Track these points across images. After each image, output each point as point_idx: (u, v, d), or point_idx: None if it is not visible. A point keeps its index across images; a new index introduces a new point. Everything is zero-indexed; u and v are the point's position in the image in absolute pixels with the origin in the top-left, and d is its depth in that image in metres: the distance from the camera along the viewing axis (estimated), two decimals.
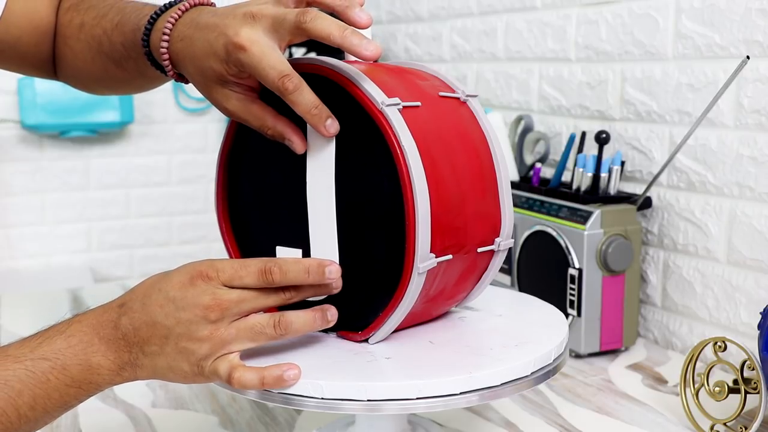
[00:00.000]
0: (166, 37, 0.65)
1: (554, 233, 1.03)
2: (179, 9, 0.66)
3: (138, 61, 0.71)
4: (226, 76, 0.62)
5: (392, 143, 0.59)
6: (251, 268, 0.58)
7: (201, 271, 0.58)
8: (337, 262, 0.65)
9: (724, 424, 0.79)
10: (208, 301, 0.57)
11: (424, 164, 0.60)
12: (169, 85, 1.76)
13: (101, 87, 0.81)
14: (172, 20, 0.65)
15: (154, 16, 0.68)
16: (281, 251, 0.67)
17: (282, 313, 0.60)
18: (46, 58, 0.81)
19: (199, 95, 1.80)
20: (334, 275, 0.60)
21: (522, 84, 1.33)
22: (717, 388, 0.78)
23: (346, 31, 0.58)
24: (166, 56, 0.65)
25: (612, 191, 1.04)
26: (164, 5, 0.68)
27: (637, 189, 1.10)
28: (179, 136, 1.80)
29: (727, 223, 0.99)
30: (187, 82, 0.67)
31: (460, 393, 0.58)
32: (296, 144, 0.63)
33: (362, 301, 0.64)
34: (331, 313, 0.62)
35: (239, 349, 0.59)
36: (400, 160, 0.59)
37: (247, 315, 0.59)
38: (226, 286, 0.58)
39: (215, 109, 1.96)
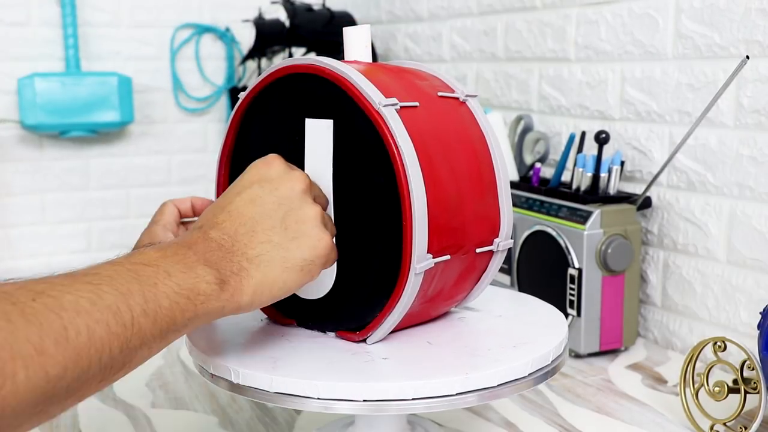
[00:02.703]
0: None
1: (554, 233, 1.03)
2: None
3: None
4: None
5: (389, 143, 0.59)
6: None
7: (269, 158, 0.59)
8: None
9: (724, 424, 0.79)
10: (300, 176, 0.58)
11: (422, 164, 0.60)
12: (169, 85, 1.77)
13: None
14: None
15: None
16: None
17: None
18: None
19: (199, 95, 1.80)
20: None
21: (522, 84, 1.33)
22: (717, 388, 0.78)
23: None
24: None
25: (612, 191, 1.04)
26: None
27: (636, 189, 1.10)
28: (179, 136, 1.80)
29: (727, 223, 0.99)
30: None
31: (457, 393, 0.58)
32: None
33: (360, 301, 0.64)
34: None
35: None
36: (396, 160, 0.59)
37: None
38: None
39: (215, 109, 1.96)
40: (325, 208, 0.59)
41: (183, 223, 0.75)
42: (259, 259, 0.53)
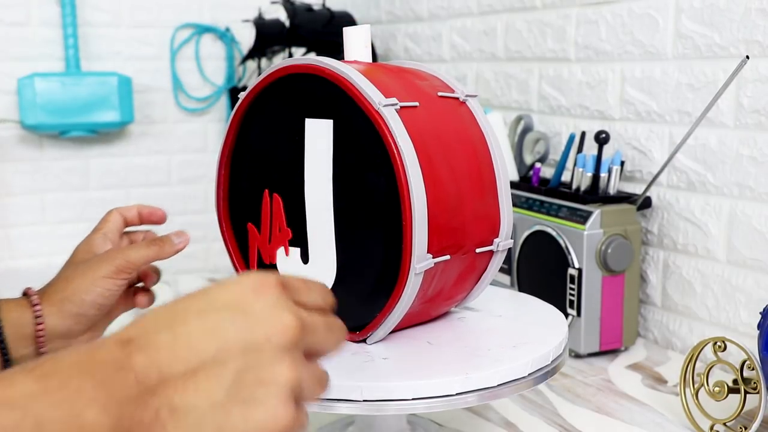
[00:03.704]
0: None
1: (554, 233, 1.03)
2: None
3: None
4: None
5: (389, 143, 0.59)
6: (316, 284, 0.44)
7: (265, 280, 0.41)
8: (335, 261, 0.65)
9: (724, 424, 0.79)
10: (293, 323, 0.40)
11: (422, 164, 0.60)
12: (169, 85, 1.77)
13: None
14: None
15: None
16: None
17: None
18: None
19: (199, 95, 1.80)
20: None
21: (522, 84, 1.32)
22: (717, 388, 0.78)
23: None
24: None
25: (612, 191, 1.04)
26: None
27: (636, 189, 1.10)
28: (179, 136, 1.79)
29: (726, 223, 0.99)
30: None
31: (457, 393, 0.58)
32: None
33: (360, 301, 0.64)
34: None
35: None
36: (396, 160, 0.59)
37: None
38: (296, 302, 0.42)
39: (215, 109, 1.95)
40: (310, 379, 0.41)
41: (126, 233, 0.76)
42: (185, 416, 0.37)
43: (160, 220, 0.78)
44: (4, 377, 0.36)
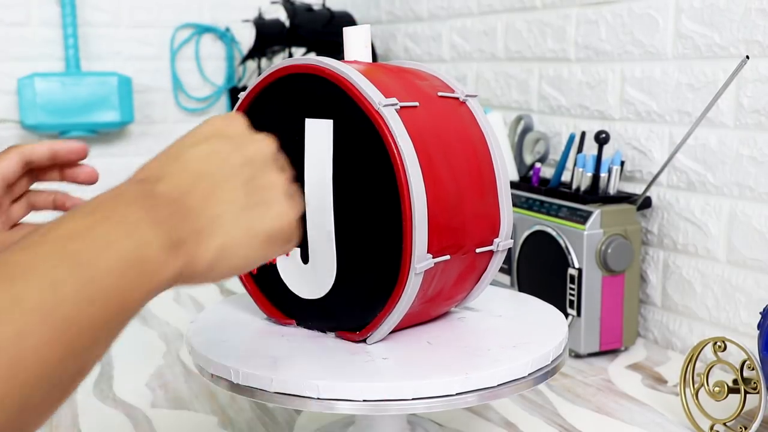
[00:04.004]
0: None
1: (554, 233, 1.03)
2: None
3: None
4: None
5: (389, 143, 0.59)
6: None
7: (228, 115, 0.49)
8: (335, 261, 0.65)
9: (724, 424, 0.79)
10: (268, 139, 0.48)
11: (422, 164, 0.60)
12: (169, 85, 1.77)
13: None
14: None
15: None
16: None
17: None
18: None
19: (199, 95, 1.80)
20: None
21: (522, 84, 1.32)
22: (717, 388, 0.78)
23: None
24: None
25: (612, 191, 1.04)
26: None
27: (636, 189, 1.10)
28: (179, 136, 1.80)
29: (726, 223, 0.99)
30: None
31: (457, 393, 0.58)
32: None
33: (360, 301, 0.64)
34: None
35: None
36: (396, 160, 0.59)
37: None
38: None
39: (215, 109, 1.95)
40: (292, 181, 0.49)
41: (29, 192, 0.62)
42: (219, 220, 0.43)
43: (80, 155, 0.63)
44: (55, 221, 0.38)
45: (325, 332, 0.68)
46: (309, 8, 1.64)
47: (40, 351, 0.33)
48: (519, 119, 1.24)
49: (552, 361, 0.64)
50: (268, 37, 1.62)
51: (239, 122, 0.48)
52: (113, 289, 0.37)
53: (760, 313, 0.78)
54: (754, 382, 0.76)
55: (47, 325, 0.33)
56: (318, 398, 0.57)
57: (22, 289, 0.33)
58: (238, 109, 0.69)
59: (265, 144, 0.48)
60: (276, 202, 0.46)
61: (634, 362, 1.02)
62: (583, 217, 1.00)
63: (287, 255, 0.60)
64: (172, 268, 0.40)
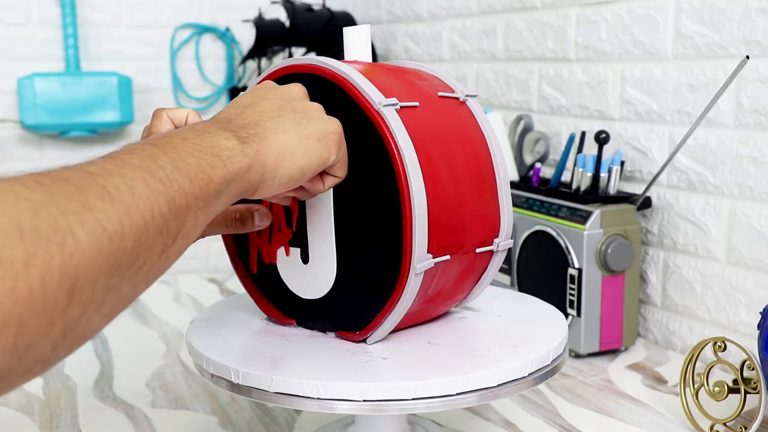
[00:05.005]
0: None
1: (554, 233, 1.03)
2: None
3: None
4: None
5: (389, 143, 0.59)
6: None
7: (262, 80, 0.62)
8: (335, 261, 0.65)
9: (724, 424, 0.79)
10: (298, 85, 0.60)
11: (422, 164, 0.60)
12: (169, 85, 1.77)
13: None
14: None
15: None
16: None
17: None
18: None
19: (199, 95, 1.80)
20: None
21: (522, 84, 1.32)
22: (717, 388, 0.78)
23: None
24: None
25: (612, 191, 1.04)
26: None
27: (636, 189, 1.10)
28: None
29: (726, 223, 0.99)
30: None
31: (457, 393, 0.58)
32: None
33: (360, 301, 0.64)
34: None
35: None
36: (396, 161, 0.59)
37: None
38: None
39: (215, 109, 1.95)
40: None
41: None
42: (275, 128, 0.54)
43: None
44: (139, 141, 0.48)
45: (325, 332, 0.68)
46: (309, 8, 1.64)
47: (146, 196, 0.41)
48: (519, 119, 1.24)
49: (552, 361, 0.64)
50: (268, 37, 1.62)
51: (268, 83, 0.60)
52: (195, 166, 0.46)
53: (760, 313, 0.78)
54: (754, 382, 0.76)
55: (148, 180, 0.42)
56: (318, 398, 0.57)
57: (126, 160, 0.43)
58: None
59: (297, 86, 0.60)
60: (317, 117, 0.57)
61: (634, 362, 1.02)
62: (583, 217, 1.00)
63: (339, 177, 0.60)
64: (242, 157, 0.50)
